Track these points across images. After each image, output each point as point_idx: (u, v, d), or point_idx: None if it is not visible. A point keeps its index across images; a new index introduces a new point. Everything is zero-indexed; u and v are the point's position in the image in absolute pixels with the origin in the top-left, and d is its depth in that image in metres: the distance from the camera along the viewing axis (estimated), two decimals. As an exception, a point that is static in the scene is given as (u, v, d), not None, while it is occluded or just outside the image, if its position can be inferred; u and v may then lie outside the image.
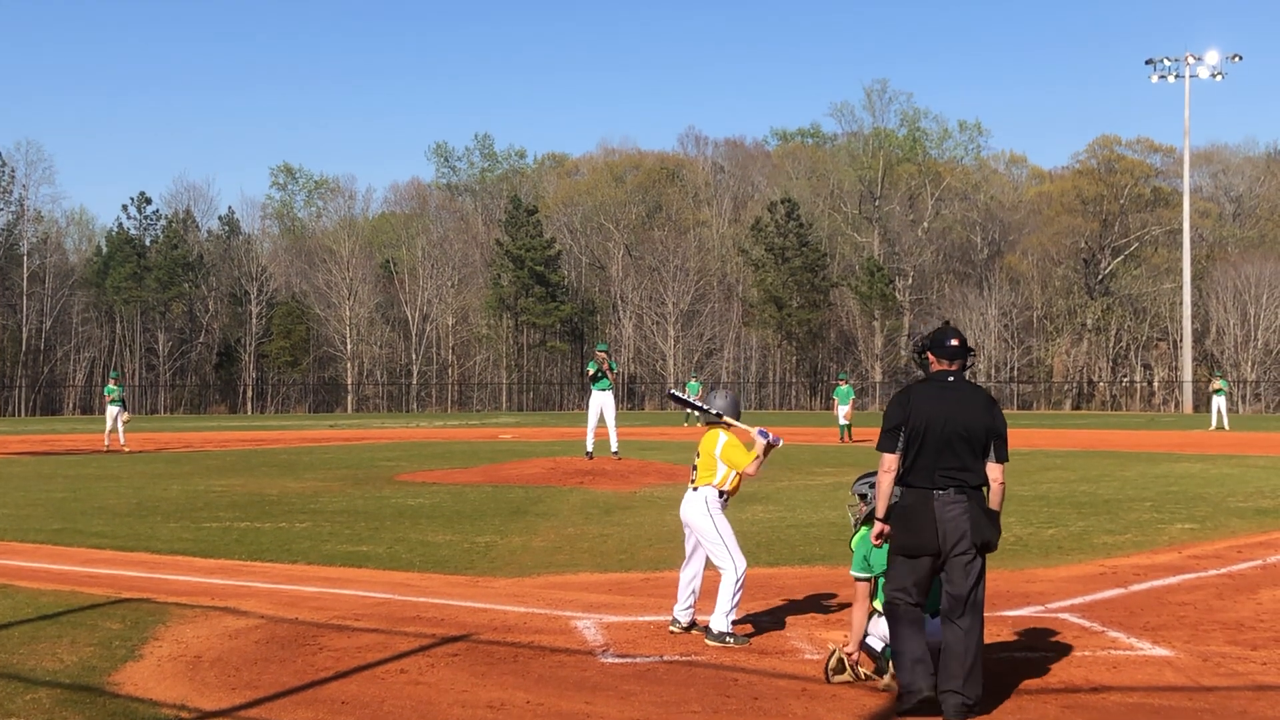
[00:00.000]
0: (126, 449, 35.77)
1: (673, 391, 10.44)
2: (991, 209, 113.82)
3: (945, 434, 7.30)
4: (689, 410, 9.49)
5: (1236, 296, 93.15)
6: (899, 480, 7.43)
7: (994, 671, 7.92)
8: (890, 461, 7.44)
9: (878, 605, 7.82)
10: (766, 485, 21.78)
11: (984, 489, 7.39)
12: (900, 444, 7.41)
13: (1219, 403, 50.09)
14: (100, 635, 9.36)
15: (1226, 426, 48.73)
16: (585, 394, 26.77)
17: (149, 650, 8.86)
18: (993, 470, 7.42)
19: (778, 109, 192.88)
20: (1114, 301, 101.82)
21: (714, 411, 9.61)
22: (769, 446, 9.27)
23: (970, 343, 7.78)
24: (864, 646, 7.90)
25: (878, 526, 7.59)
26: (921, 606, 7.37)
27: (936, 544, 7.23)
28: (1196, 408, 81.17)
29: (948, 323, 6.90)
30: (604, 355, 26.31)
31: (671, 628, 9.41)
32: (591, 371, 25.95)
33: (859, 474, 8.51)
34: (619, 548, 14.31)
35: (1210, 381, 52.16)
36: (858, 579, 8.01)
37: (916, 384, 7.69)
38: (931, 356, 7.61)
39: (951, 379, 7.51)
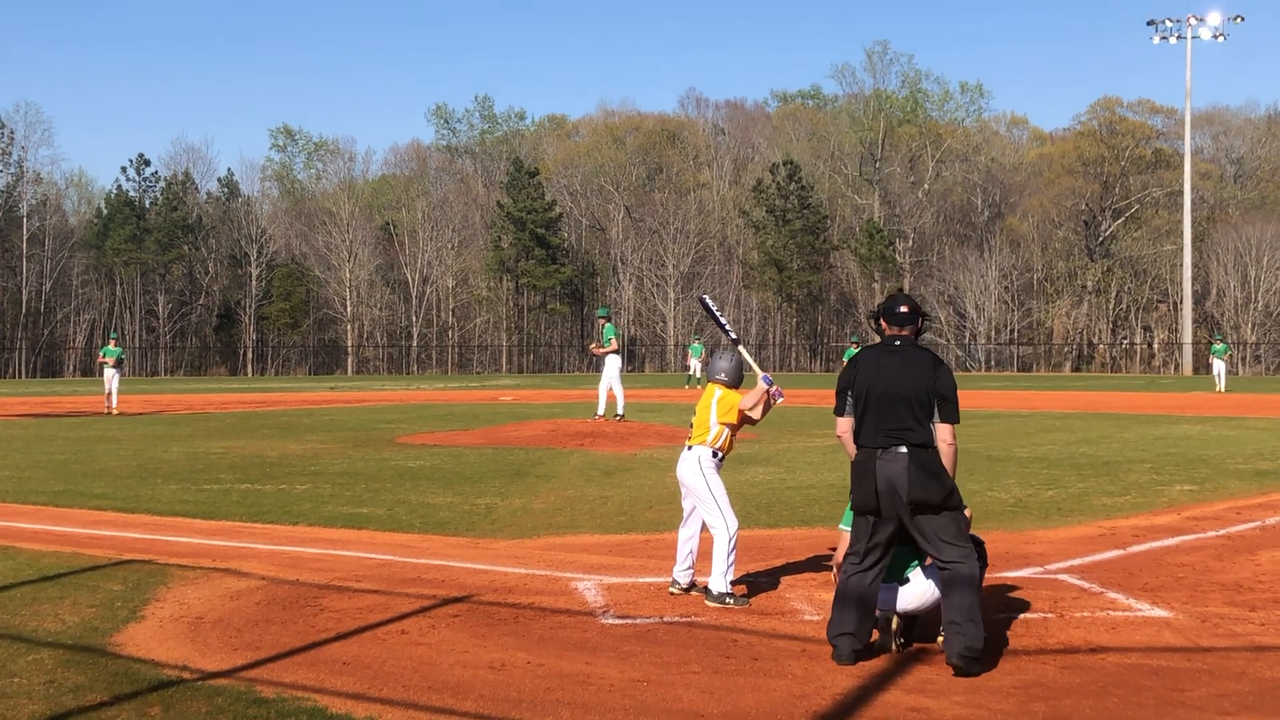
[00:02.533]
0: (115, 412, 35.59)
1: (704, 298, 10.41)
2: (992, 171, 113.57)
3: (889, 395, 7.53)
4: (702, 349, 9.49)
5: (1237, 258, 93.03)
6: (855, 441, 7.70)
7: (992, 632, 7.95)
8: (841, 424, 7.82)
9: (910, 575, 7.90)
10: (766, 447, 21.83)
11: (932, 448, 7.48)
12: (849, 407, 7.74)
13: (1219, 366, 50.15)
14: (102, 596, 9.39)
15: (1223, 389, 48.68)
16: (585, 356, 26.72)
17: (150, 611, 8.89)
18: (941, 430, 7.55)
19: (778, 70, 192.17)
20: (1114, 263, 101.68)
21: (732, 335, 9.69)
22: (767, 393, 9.28)
23: (926, 309, 7.95)
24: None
25: None
26: (870, 573, 7.56)
27: (875, 500, 7.46)
28: (1196, 370, 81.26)
29: (900, 289, 7.10)
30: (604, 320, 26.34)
31: (671, 589, 9.44)
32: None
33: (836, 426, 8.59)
34: (619, 509, 14.33)
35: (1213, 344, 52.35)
36: (841, 530, 8.32)
37: (865, 348, 8.00)
38: (884, 323, 7.85)
39: (898, 343, 7.74)
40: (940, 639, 7.66)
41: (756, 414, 9.47)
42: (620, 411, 26.06)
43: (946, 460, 7.53)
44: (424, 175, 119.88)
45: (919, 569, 7.86)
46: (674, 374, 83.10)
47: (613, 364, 25.80)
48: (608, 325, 26.07)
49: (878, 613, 7.72)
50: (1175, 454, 20.64)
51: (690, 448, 9.42)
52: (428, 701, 6.75)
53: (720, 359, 9.63)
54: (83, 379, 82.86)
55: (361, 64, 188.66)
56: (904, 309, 7.79)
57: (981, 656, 7.23)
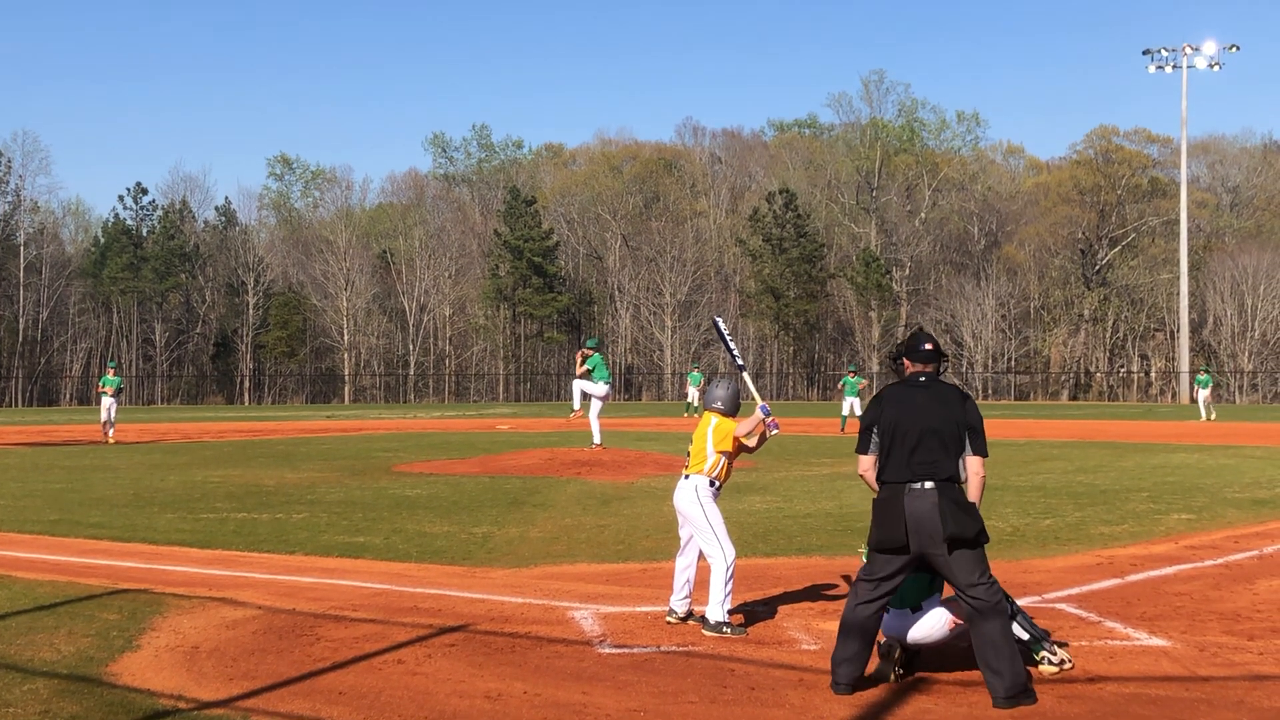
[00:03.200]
0: (113, 440, 35.52)
1: (717, 320, 10.41)
2: (989, 199, 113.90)
3: (917, 430, 7.47)
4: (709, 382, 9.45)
5: (1234, 287, 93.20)
6: (878, 478, 7.64)
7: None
8: (863, 461, 7.77)
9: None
10: (764, 475, 21.81)
11: (959, 483, 7.48)
12: (873, 444, 7.69)
13: (1203, 395, 51.43)
14: (98, 626, 9.36)
15: (1204, 417, 49.49)
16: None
17: (146, 641, 8.86)
18: (972, 463, 7.55)
19: (775, 99, 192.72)
20: (1111, 292, 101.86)
21: (739, 361, 9.70)
22: (763, 422, 9.29)
23: (945, 347, 7.95)
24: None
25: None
26: (876, 604, 7.51)
27: (904, 538, 7.37)
28: (1193, 399, 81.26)
29: (921, 328, 7.17)
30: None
31: (668, 618, 9.41)
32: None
33: (854, 467, 8.55)
34: (616, 538, 14.31)
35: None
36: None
37: (890, 385, 7.92)
38: (906, 361, 7.85)
39: (924, 379, 7.73)
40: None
41: (752, 442, 9.47)
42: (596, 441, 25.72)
43: (975, 492, 7.53)
44: (421, 204, 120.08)
45: (936, 600, 7.81)
46: (670, 402, 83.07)
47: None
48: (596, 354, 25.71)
49: (881, 639, 7.71)
50: (1173, 483, 20.63)
51: (687, 477, 9.41)
52: (424, 732, 6.72)
53: (717, 387, 9.60)
54: (79, 407, 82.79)
55: (359, 93, 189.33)
56: (928, 346, 7.78)
57: (1027, 687, 7.18)
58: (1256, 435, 36.98)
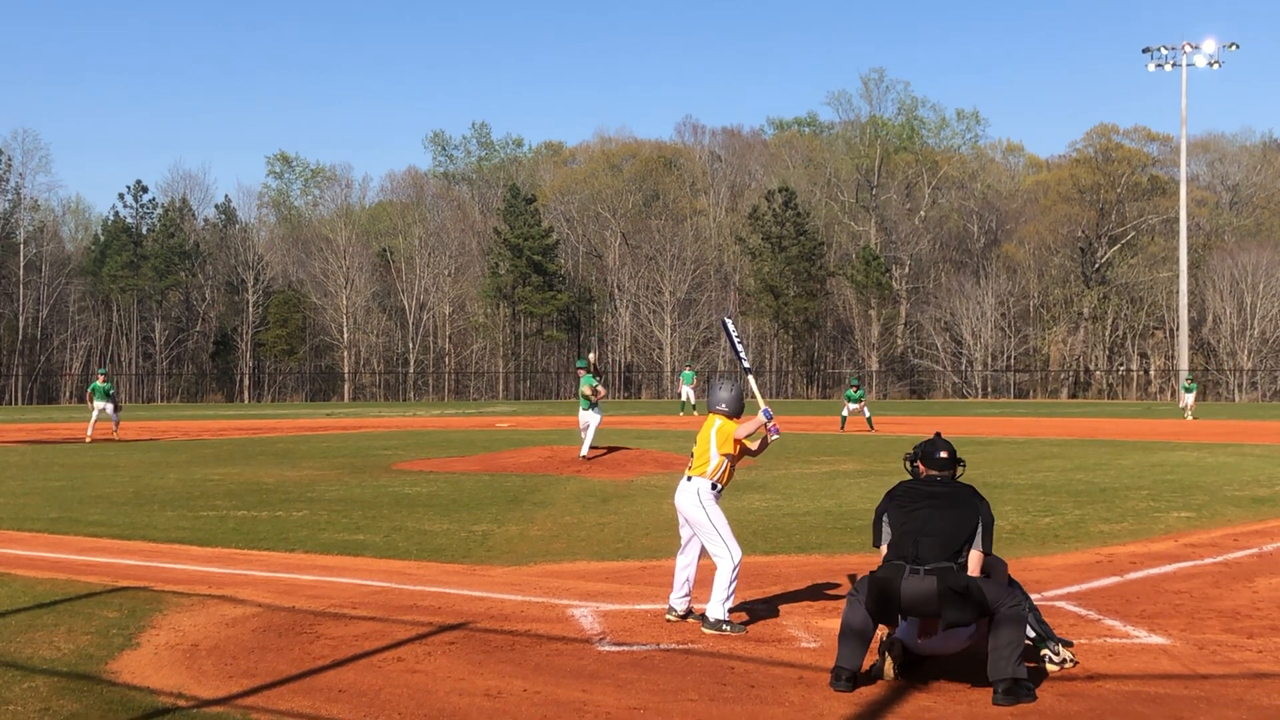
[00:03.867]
0: (116, 436, 35.65)
1: (726, 321, 10.39)
2: (988, 198, 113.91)
3: (926, 528, 7.58)
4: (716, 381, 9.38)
5: (1233, 285, 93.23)
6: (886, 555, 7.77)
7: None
8: (883, 551, 7.85)
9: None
10: (764, 474, 21.80)
11: (962, 568, 7.54)
12: (885, 535, 7.84)
13: (1187, 399, 54.50)
14: (97, 624, 9.36)
15: (1185, 415, 51.22)
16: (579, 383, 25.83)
17: (146, 639, 8.86)
18: (973, 556, 7.62)
19: (775, 98, 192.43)
20: (1110, 290, 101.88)
21: (746, 364, 9.68)
22: (764, 425, 9.28)
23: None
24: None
25: None
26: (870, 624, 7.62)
27: (897, 621, 7.53)
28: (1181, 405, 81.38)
29: (939, 434, 7.23)
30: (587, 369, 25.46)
31: (668, 615, 9.42)
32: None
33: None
34: (616, 536, 14.31)
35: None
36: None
37: (904, 482, 8.07)
38: (921, 466, 8.04)
39: (939, 480, 7.90)
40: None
41: (753, 445, 9.46)
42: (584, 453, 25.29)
43: (973, 569, 7.60)
44: (421, 202, 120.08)
45: None
46: (670, 400, 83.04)
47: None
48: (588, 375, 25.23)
49: (883, 636, 7.72)
50: (1172, 481, 20.63)
51: (689, 479, 9.39)
52: (424, 729, 6.72)
53: (720, 389, 9.56)
54: (79, 405, 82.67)
55: (359, 91, 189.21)
56: (944, 455, 7.95)
57: (1027, 686, 7.21)
58: (1256, 433, 36.98)
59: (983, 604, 7.34)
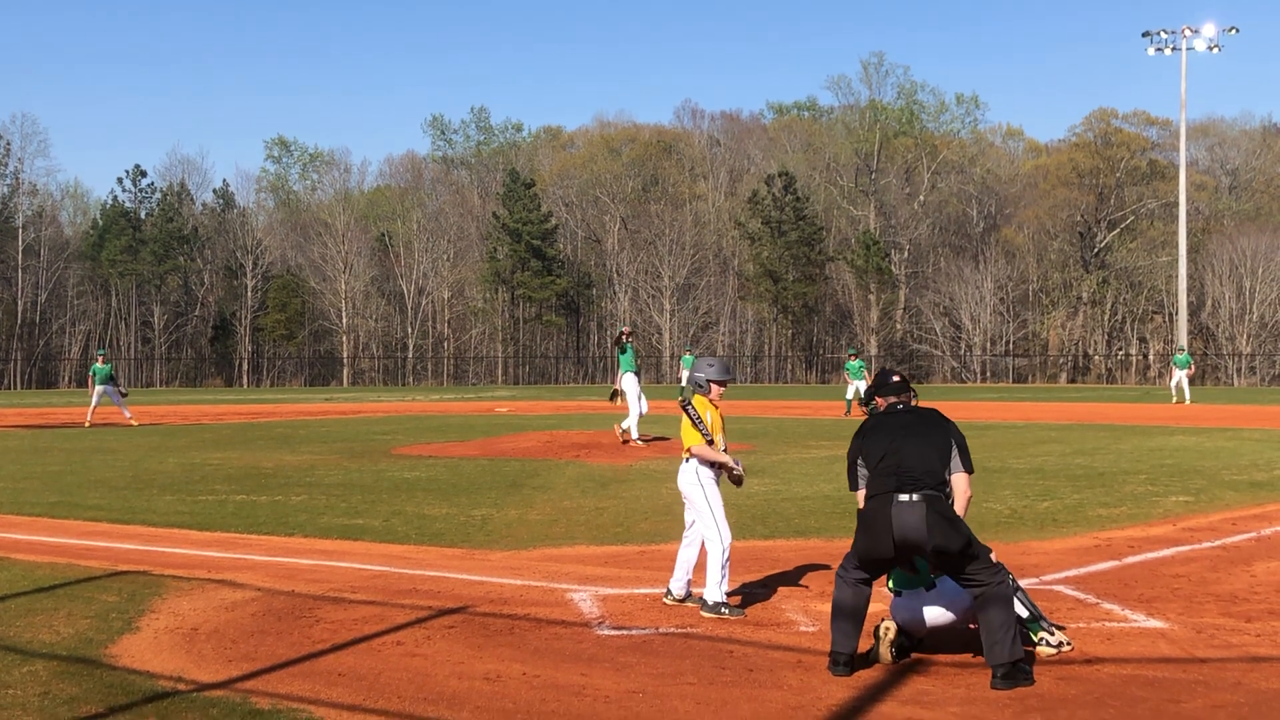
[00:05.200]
0: (134, 422, 35.63)
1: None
2: (988, 182, 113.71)
3: (900, 447, 7.61)
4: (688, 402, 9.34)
5: (1232, 270, 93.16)
6: (866, 496, 7.75)
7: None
8: (859, 497, 7.86)
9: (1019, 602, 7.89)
10: (762, 458, 21.82)
11: (947, 495, 7.57)
12: (861, 478, 7.83)
13: (1179, 376, 50.50)
14: (97, 608, 9.38)
15: (1175, 400, 49.32)
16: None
17: (146, 623, 8.87)
18: (958, 481, 7.67)
19: (774, 82, 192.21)
20: (1109, 275, 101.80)
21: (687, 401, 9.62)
22: (730, 469, 9.45)
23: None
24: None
25: None
26: (867, 588, 7.65)
27: (891, 549, 7.46)
28: (1191, 381, 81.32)
29: (884, 368, 7.65)
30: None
31: (665, 599, 9.44)
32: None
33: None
34: (615, 521, 14.32)
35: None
36: None
37: (871, 418, 8.12)
38: (879, 399, 8.08)
39: (900, 407, 7.95)
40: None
41: (710, 456, 9.42)
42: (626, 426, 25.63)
43: (960, 508, 7.63)
44: (419, 186, 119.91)
45: (946, 582, 7.80)
46: (669, 385, 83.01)
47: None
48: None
49: (885, 622, 7.74)
50: (1170, 465, 20.64)
51: (687, 459, 9.44)
52: (423, 713, 6.74)
53: (696, 369, 9.73)
54: (78, 390, 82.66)
55: (357, 75, 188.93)
56: (895, 379, 8.08)
57: (1024, 669, 7.23)
58: (1254, 418, 36.98)
59: (970, 539, 7.38)
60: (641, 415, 25.26)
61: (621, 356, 25.17)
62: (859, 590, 7.60)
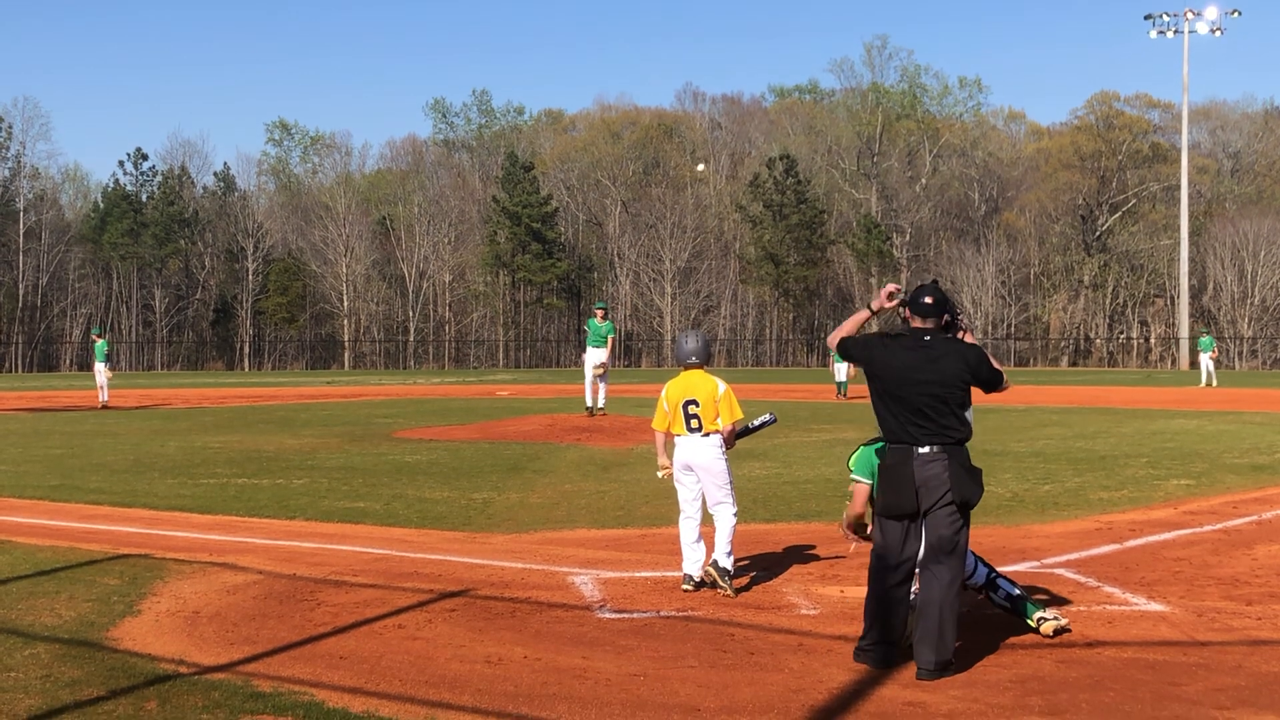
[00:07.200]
0: (101, 405, 35.83)
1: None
2: (990, 165, 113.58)
3: (919, 392, 7.24)
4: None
5: (1234, 253, 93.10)
6: (885, 437, 7.45)
7: (988, 626, 7.97)
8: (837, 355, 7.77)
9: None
10: (763, 442, 21.80)
11: (966, 445, 7.34)
12: (852, 362, 7.70)
13: (1205, 360, 50.50)
14: (98, 591, 9.38)
15: (1214, 383, 48.94)
16: (583, 351, 26.88)
17: (147, 606, 8.88)
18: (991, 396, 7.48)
19: (776, 65, 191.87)
20: (1111, 258, 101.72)
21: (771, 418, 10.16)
22: (662, 465, 9.78)
23: (953, 303, 7.69)
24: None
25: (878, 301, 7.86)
26: (905, 569, 7.34)
27: (915, 504, 7.21)
28: (1193, 364, 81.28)
29: (933, 281, 6.72)
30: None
31: (684, 585, 9.38)
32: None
33: (855, 433, 8.55)
34: (616, 504, 14.33)
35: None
36: (854, 480, 8.10)
37: (885, 334, 7.64)
38: (909, 313, 7.53)
39: (928, 337, 7.40)
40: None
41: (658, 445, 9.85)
42: (594, 405, 26.33)
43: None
44: (420, 170, 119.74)
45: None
46: (670, 369, 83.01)
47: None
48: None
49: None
50: (1172, 448, 20.65)
51: (706, 435, 9.45)
52: (424, 696, 6.74)
53: (689, 339, 9.89)
54: (79, 373, 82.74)
55: (358, 58, 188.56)
56: (928, 300, 7.42)
57: (951, 661, 7.12)
58: (1256, 401, 36.99)
59: (980, 495, 7.28)
60: (587, 389, 26.51)
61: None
62: (900, 588, 7.35)
